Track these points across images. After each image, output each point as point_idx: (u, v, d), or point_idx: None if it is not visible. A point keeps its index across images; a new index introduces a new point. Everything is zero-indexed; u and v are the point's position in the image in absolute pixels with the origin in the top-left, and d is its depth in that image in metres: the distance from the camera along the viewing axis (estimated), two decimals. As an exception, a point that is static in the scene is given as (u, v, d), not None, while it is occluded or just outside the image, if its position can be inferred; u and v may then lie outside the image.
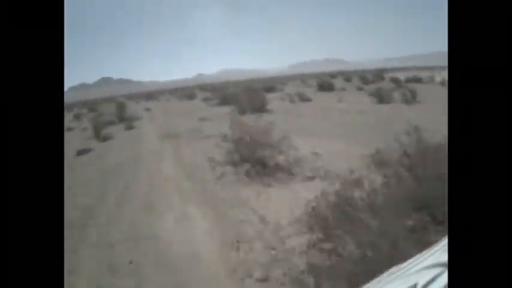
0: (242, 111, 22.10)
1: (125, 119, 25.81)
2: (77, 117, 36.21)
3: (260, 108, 22.69)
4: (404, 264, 1.29)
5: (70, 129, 25.60)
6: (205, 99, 39.23)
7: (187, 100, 47.39)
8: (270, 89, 44.57)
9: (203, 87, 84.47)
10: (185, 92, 66.39)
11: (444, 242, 1.25)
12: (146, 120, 26.42)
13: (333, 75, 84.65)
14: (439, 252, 1.22)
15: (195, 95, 51.33)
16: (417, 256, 1.29)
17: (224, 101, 32.03)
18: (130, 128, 21.88)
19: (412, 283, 1.08)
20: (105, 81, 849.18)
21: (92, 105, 54.15)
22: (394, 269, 1.32)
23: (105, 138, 18.35)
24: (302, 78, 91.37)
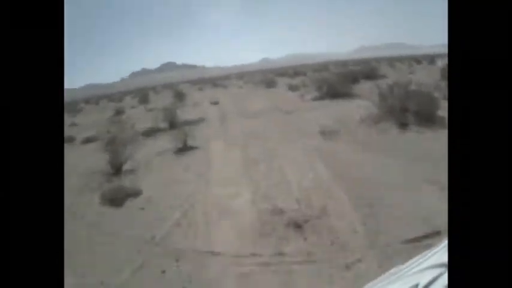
0: (395, 120, 11.42)
1: (177, 124, 15.92)
2: (119, 113, 26.79)
3: (431, 115, 11.55)
4: (405, 265, 1.32)
5: (90, 140, 16.11)
6: (292, 88, 28.17)
7: (266, 88, 35.05)
8: (370, 76, 32.19)
9: (277, 72, 72.48)
10: (257, 77, 55.28)
11: (445, 243, 1.28)
12: (215, 127, 15.63)
13: (418, 60, 70.15)
14: (440, 252, 1.24)
15: (275, 82, 38.88)
16: (418, 257, 1.33)
17: (328, 92, 20.82)
18: (184, 149, 11.43)
19: (413, 284, 1.10)
20: (168, 66, 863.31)
21: (145, 95, 43.51)
22: (394, 269, 1.35)
23: (122, 198, 7.40)
24: (382, 61, 75.68)
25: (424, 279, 1.07)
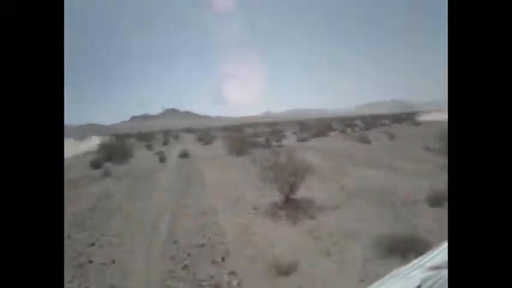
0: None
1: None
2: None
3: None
4: (407, 266, 1.44)
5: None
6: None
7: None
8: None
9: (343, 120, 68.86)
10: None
11: (445, 245, 1.43)
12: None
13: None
14: (441, 254, 1.37)
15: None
16: (419, 258, 1.47)
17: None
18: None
19: (414, 285, 1.18)
20: (170, 112, 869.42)
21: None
22: (395, 271, 1.47)
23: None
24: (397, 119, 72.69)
25: (425, 281, 1.15)
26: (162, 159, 23.03)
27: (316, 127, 49.93)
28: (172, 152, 28.67)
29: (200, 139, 44.10)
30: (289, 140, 34.79)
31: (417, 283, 1.16)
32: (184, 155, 24.46)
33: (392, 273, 1.44)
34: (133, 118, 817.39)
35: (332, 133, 41.59)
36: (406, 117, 62.24)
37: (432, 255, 1.38)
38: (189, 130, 77.36)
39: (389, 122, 53.66)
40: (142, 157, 25.81)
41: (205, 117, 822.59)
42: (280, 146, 28.02)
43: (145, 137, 53.07)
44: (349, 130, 43.29)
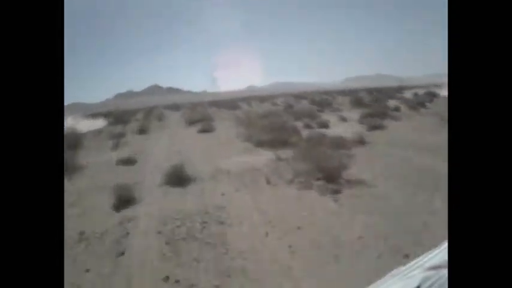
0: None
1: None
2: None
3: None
4: (406, 266, 1.37)
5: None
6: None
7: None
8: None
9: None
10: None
11: (445, 244, 1.34)
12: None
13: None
14: (440, 254, 1.31)
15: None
16: (419, 258, 1.38)
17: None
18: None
19: (414, 285, 1.16)
20: (153, 89, 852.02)
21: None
22: (395, 271, 1.40)
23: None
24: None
25: (424, 281, 1.13)
26: (123, 202, 8.46)
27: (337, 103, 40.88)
28: (154, 158, 15.33)
29: (192, 122, 28.40)
30: (338, 126, 20.61)
31: (416, 283, 1.14)
32: (179, 175, 10.60)
33: (391, 273, 1.39)
34: (118, 95, 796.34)
35: (391, 112, 25.68)
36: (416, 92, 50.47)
37: (432, 254, 1.34)
38: (176, 107, 60.78)
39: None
40: (94, 171, 13.39)
41: (189, 92, 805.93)
42: (361, 143, 14.58)
43: (123, 118, 39.03)
44: (403, 108, 29.84)
